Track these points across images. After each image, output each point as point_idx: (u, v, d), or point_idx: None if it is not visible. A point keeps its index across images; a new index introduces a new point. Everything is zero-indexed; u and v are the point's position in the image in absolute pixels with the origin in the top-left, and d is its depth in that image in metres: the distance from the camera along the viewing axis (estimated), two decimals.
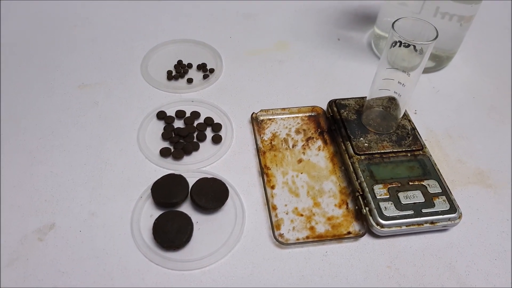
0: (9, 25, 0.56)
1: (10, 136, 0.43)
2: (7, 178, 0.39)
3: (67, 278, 0.33)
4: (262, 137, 0.44)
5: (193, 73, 0.50)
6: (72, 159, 0.41)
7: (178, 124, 0.44)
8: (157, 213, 0.37)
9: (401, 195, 0.37)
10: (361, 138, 0.41)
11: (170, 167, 0.41)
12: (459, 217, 0.36)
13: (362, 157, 0.40)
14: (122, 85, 0.49)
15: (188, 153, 0.42)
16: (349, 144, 0.41)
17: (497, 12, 0.63)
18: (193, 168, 0.41)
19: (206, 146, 0.43)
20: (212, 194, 0.37)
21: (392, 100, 0.41)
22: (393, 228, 0.36)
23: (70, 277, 0.33)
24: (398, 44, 0.36)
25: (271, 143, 0.43)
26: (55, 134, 0.43)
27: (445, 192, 0.38)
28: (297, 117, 0.46)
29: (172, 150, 0.42)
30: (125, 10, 0.59)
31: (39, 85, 0.48)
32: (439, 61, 0.52)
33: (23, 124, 0.44)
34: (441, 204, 0.37)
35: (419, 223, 0.36)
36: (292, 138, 0.44)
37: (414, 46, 0.35)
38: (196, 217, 0.37)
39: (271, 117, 0.45)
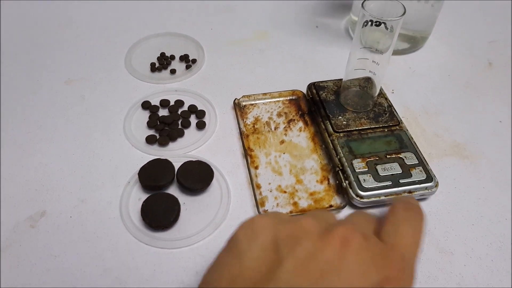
0: None
1: None
2: None
3: (59, 261, 0.34)
4: (245, 121, 0.45)
5: (176, 64, 0.52)
6: (60, 150, 0.42)
7: (163, 112, 0.46)
8: (145, 196, 0.38)
9: (379, 167, 0.38)
10: (340, 117, 0.43)
11: (156, 153, 0.42)
12: (436, 186, 0.38)
13: (341, 134, 0.41)
14: (107, 78, 0.50)
15: (173, 139, 0.43)
16: (328, 123, 0.42)
17: None
18: (179, 153, 0.42)
19: (191, 132, 0.44)
20: (197, 175, 0.39)
21: (368, 80, 0.43)
22: (373, 199, 0.37)
23: (62, 259, 0.35)
24: (369, 23, 0.38)
25: (253, 126, 0.44)
26: (43, 127, 0.44)
27: (422, 163, 0.39)
28: (278, 101, 0.47)
29: (158, 137, 0.43)
30: (108, 8, 0.60)
31: (26, 83, 0.49)
32: (414, 42, 0.53)
33: (12, 119, 0.45)
34: (418, 174, 0.38)
35: (397, 193, 0.37)
36: (274, 121, 0.45)
37: (385, 24, 0.37)
38: (183, 199, 0.38)
39: (253, 102, 0.47)
